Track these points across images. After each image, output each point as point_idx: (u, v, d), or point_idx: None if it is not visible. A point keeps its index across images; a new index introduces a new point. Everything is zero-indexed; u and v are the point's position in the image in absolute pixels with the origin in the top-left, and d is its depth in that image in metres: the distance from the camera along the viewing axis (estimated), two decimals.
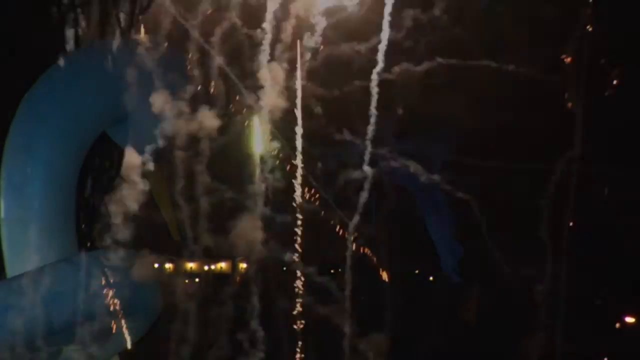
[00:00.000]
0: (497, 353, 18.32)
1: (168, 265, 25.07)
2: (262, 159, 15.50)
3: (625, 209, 18.04)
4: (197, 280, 25.53)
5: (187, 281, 25.77)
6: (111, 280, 9.51)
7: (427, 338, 19.56)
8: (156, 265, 22.03)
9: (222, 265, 25.27)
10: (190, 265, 25.66)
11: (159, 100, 10.49)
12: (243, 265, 24.27)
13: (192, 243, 12.08)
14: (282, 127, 15.09)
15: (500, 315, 19.07)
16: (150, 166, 11.00)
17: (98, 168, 16.08)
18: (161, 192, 11.13)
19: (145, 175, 11.31)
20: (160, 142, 10.80)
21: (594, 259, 18.32)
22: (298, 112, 14.66)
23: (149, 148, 10.84)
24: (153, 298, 10.09)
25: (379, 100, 13.85)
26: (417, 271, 21.31)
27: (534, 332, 17.68)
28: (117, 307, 9.49)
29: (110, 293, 9.46)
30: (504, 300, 19.13)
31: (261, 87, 14.00)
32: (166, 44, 11.74)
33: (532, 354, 17.50)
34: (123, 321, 9.74)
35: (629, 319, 18.20)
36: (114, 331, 9.81)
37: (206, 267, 25.64)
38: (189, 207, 11.23)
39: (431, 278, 21.36)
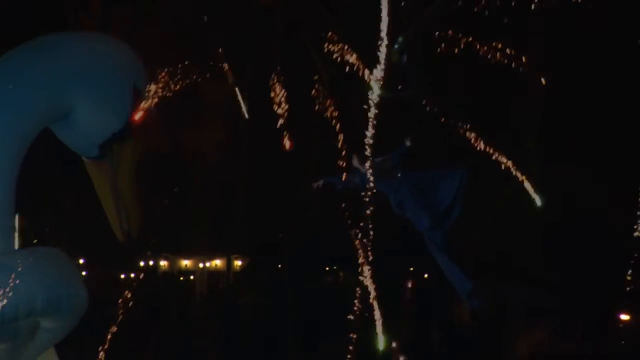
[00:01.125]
0: (496, 354, 18.03)
1: (163, 263, 25.13)
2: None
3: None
4: (192, 277, 25.58)
5: (182, 278, 25.90)
6: (36, 279, 9.27)
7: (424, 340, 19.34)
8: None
9: (217, 262, 25.16)
10: (185, 263, 25.66)
11: (106, 99, 10.14)
12: (238, 263, 24.24)
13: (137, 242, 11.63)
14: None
15: (497, 316, 18.77)
16: (92, 163, 10.63)
17: None
18: (104, 190, 10.74)
19: (88, 171, 10.92)
20: (104, 139, 10.45)
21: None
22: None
23: (92, 144, 10.48)
24: (78, 296, 9.82)
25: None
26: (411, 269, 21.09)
27: (532, 332, 17.42)
28: (42, 306, 9.27)
29: (35, 291, 9.22)
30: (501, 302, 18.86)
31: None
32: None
33: (530, 354, 17.22)
34: (48, 320, 9.53)
35: (624, 317, 17.87)
36: (38, 330, 9.62)
37: (201, 265, 25.58)
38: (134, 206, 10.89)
39: (425, 275, 21.12)
